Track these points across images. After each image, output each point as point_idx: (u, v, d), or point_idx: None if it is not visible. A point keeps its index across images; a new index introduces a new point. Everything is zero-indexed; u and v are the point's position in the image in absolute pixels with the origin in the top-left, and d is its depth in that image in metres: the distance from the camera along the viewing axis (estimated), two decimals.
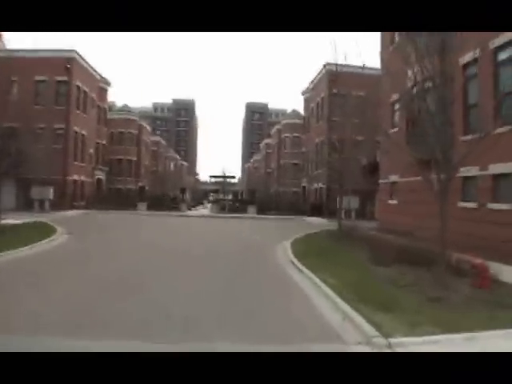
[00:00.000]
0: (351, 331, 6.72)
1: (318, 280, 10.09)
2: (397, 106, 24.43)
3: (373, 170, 37.08)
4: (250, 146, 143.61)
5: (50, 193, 37.09)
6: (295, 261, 13.15)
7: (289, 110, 70.63)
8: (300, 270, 11.86)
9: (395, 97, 24.19)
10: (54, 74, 40.54)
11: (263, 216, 39.73)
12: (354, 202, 37.25)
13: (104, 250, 15.75)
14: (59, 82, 41.02)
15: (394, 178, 23.65)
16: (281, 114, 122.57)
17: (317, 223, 33.18)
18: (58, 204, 37.15)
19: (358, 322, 6.87)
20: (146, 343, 4.16)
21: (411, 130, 20.49)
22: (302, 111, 64.61)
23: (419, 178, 20.36)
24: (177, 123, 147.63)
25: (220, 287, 9.93)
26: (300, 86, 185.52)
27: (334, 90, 41.03)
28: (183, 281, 10.54)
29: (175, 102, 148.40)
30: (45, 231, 19.40)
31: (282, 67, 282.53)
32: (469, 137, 12.50)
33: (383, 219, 24.85)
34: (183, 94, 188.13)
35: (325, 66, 42.29)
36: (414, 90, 19.67)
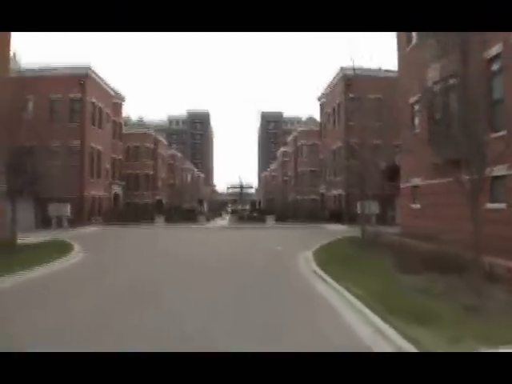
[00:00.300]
0: (384, 346, 6.17)
1: (342, 289, 9.56)
2: (417, 107, 23.72)
3: (392, 174, 36.38)
4: (266, 155, 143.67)
5: (68, 209, 37.05)
6: (317, 269, 12.68)
7: (304, 118, 70.27)
8: (324, 280, 11.35)
9: (415, 98, 23.59)
10: (69, 92, 40.75)
11: (282, 225, 39.19)
12: (373, 207, 36.43)
13: (120, 267, 15.36)
14: (73, 99, 41.16)
15: (416, 181, 22.94)
16: (296, 121, 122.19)
17: (337, 230, 32.47)
18: (76, 220, 37.08)
19: (391, 335, 6.33)
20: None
21: (434, 130, 19.82)
22: (317, 118, 64.19)
23: (444, 180, 19.80)
24: (192, 135, 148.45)
25: (243, 300, 9.51)
26: (314, 92, 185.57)
27: (351, 94, 40.50)
28: (205, 296, 10.04)
29: (190, 114, 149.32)
30: (62, 249, 19.16)
31: (296, 75, 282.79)
32: (500, 133, 11.82)
33: (406, 224, 24.11)
34: (197, 106, 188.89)
35: (340, 70, 41.86)
36: (437, 87, 19.11)
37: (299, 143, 65.45)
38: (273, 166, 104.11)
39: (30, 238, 22.60)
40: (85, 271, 14.35)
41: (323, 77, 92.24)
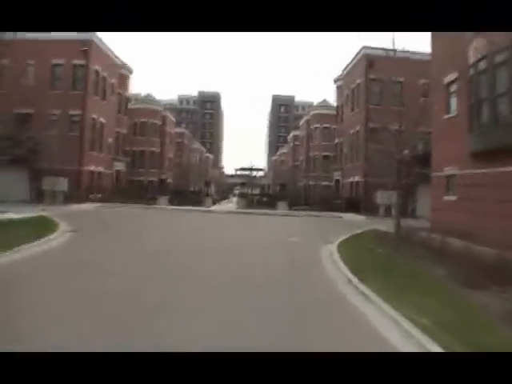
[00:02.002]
0: None
1: (400, 317, 6.75)
2: (453, 88, 20.83)
3: (415, 162, 33.52)
4: (276, 139, 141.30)
5: (64, 184, 34.30)
6: (354, 280, 9.61)
7: (315, 103, 66.82)
8: (367, 298, 8.31)
9: (452, 77, 20.75)
10: (72, 58, 37.90)
11: (294, 212, 36.30)
12: (394, 197, 33.66)
13: (107, 256, 12.65)
14: (76, 65, 38.30)
15: (451, 170, 20.05)
16: (307, 106, 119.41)
17: (356, 221, 29.72)
18: (73, 196, 34.40)
19: None
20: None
21: (477, 112, 17.05)
22: (331, 101, 61.24)
23: (489, 170, 17.00)
24: (202, 115, 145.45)
25: (264, 328, 6.42)
26: (330, 74, 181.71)
27: (372, 75, 37.52)
28: (206, 317, 6.87)
29: (201, 94, 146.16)
30: (44, 228, 16.50)
31: (308, 59, 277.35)
32: None
33: (437, 218, 21.22)
34: (209, 87, 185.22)
35: (361, 49, 38.68)
36: (482, 64, 16.13)
37: (312, 127, 62.49)
38: (283, 150, 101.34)
39: (10, 213, 19.91)
40: (59, 259, 11.69)
41: (338, 61, 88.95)
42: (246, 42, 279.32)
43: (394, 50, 33.72)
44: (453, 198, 20.28)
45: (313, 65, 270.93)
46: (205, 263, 11.77)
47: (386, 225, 24.29)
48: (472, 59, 17.65)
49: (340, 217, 32.82)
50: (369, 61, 36.99)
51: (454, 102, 20.80)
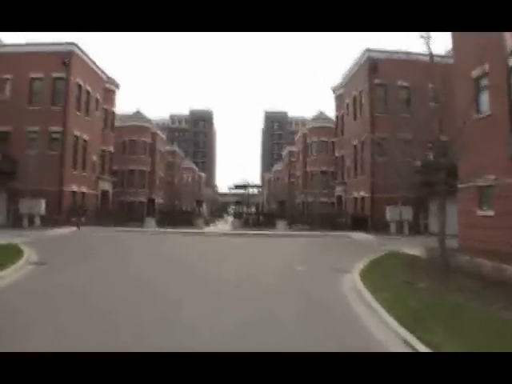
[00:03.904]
0: None
1: None
2: (484, 83, 18.02)
3: (427, 173, 30.69)
4: (270, 156, 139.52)
5: (41, 206, 31.04)
6: (421, 347, 6.26)
7: (311, 116, 64.13)
8: None
9: (481, 70, 17.93)
10: (51, 71, 34.96)
11: (296, 232, 33.09)
12: (406, 213, 30.77)
13: (73, 301, 9.49)
14: (57, 79, 35.33)
15: (486, 180, 17.10)
16: (301, 122, 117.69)
17: (366, 241, 26.60)
18: (53, 219, 31.20)
19: None
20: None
21: None
22: (328, 114, 58.73)
23: None
24: (195, 134, 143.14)
25: None
26: (320, 92, 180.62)
27: (377, 80, 34.80)
28: None
29: (192, 113, 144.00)
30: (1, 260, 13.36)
31: (301, 75, 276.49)
32: None
33: (468, 236, 18.19)
34: (201, 105, 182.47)
35: (364, 52, 35.91)
36: None
37: (309, 141, 59.77)
38: (278, 167, 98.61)
39: None
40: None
41: (332, 74, 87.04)
42: (237, 57, 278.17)
43: (398, 52, 31.05)
44: (489, 212, 17.35)
45: (306, 80, 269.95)
46: (207, 301, 8.64)
47: (403, 245, 21.34)
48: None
49: (347, 237, 29.67)
50: (372, 64, 34.29)
51: (485, 99, 18.00)
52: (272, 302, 9.62)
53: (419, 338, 6.45)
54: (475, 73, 18.03)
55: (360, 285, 11.24)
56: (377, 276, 12.47)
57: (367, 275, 12.62)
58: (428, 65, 29.73)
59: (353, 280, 12.39)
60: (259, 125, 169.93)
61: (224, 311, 8.65)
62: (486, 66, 17.10)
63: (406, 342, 6.54)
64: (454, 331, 6.69)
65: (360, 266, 14.89)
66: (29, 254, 16.13)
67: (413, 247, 19.44)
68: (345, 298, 10.23)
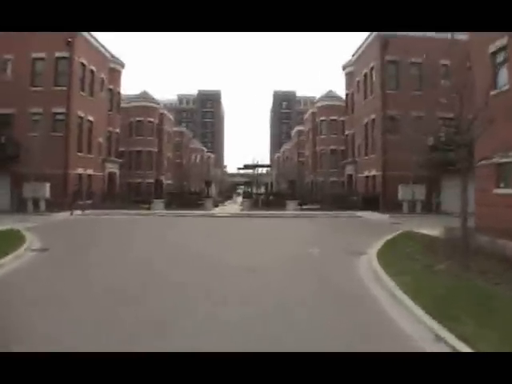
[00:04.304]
0: None
1: None
2: (502, 57, 17.08)
3: (439, 150, 29.73)
4: (279, 136, 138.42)
5: (46, 190, 30.40)
6: (459, 344, 5.51)
7: (320, 95, 62.80)
8: None
9: (499, 44, 17.00)
10: (54, 50, 33.95)
11: (307, 212, 32.29)
12: (419, 193, 29.93)
13: (74, 293, 8.93)
14: (60, 58, 34.31)
15: (505, 157, 16.20)
16: (309, 101, 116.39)
17: (379, 221, 25.85)
18: (58, 203, 30.64)
19: None
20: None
21: None
22: (338, 93, 57.66)
23: None
24: (203, 114, 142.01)
25: None
26: (329, 71, 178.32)
27: (388, 57, 33.65)
28: None
29: (200, 93, 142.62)
30: (2, 246, 12.83)
31: (309, 52, 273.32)
32: None
33: (486, 216, 17.30)
34: (209, 85, 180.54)
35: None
36: None
37: (318, 120, 58.70)
38: (286, 146, 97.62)
39: None
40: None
41: (341, 53, 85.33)
42: (245, 38, 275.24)
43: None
44: (507, 190, 16.54)
45: (314, 58, 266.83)
46: (215, 293, 8.02)
47: (417, 225, 20.61)
48: None
49: (359, 216, 28.90)
50: (383, 40, 33.07)
51: (503, 73, 17.06)
52: (283, 287, 9.00)
53: (451, 331, 5.76)
54: (492, 47, 17.12)
55: (378, 268, 10.55)
56: (394, 258, 11.79)
57: (384, 257, 11.93)
58: (441, 41, 28.61)
59: (370, 263, 11.73)
60: (268, 104, 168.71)
61: (243, 299, 8.03)
62: (504, 40, 16.22)
63: (437, 337, 5.84)
64: (484, 321, 6.04)
65: (376, 247, 14.24)
66: (31, 240, 15.63)
67: (428, 227, 18.73)
68: (363, 284, 9.54)
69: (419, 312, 6.77)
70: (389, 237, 16.73)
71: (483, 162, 16.86)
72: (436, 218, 25.41)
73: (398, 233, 17.98)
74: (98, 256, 13.37)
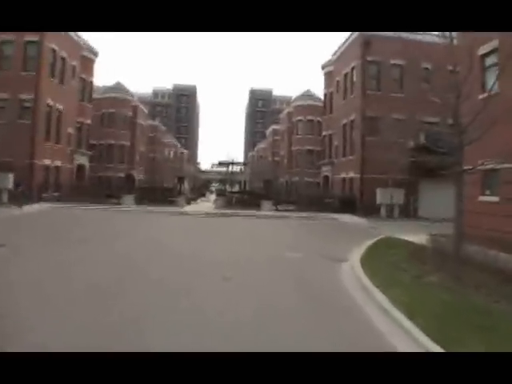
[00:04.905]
0: None
1: None
2: (492, 60, 16.64)
3: (419, 155, 29.27)
4: (254, 134, 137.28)
5: (9, 181, 28.62)
6: None
7: (297, 94, 62.06)
8: None
9: (488, 47, 16.59)
10: (23, 34, 32.17)
11: (282, 213, 31.37)
12: (397, 197, 29.39)
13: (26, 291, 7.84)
14: (29, 42, 32.60)
15: (490, 163, 15.63)
16: (286, 101, 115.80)
17: (357, 225, 25.16)
18: (22, 195, 29.02)
19: None
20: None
21: None
22: (315, 92, 57.01)
23: None
24: (177, 109, 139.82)
25: None
26: (306, 71, 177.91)
27: (369, 57, 33.04)
28: None
29: (176, 87, 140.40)
30: None
31: (286, 53, 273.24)
32: None
33: (473, 223, 16.77)
34: (184, 80, 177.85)
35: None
36: None
37: (294, 119, 57.99)
38: (261, 145, 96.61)
39: None
40: None
41: (319, 53, 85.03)
42: (223, 35, 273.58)
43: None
44: (492, 198, 16.02)
45: (292, 58, 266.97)
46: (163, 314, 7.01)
47: (397, 230, 19.99)
48: None
49: (335, 218, 28.20)
50: (365, 40, 32.43)
51: (491, 77, 16.55)
52: (265, 303, 8.04)
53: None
54: (482, 50, 16.68)
55: (364, 278, 9.72)
56: (379, 267, 11.00)
57: (368, 266, 11.12)
58: (423, 44, 28.19)
59: (353, 271, 10.90)
60: (243, 102, 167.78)
61: (215, 312, 7.04)
62: (494, 43, 15.78)
63: None
64: (495, 348, 5.20)
65: (357, 253, 13.51)
66: None
67: (409, 233, 18.13)
68: (349, 295, 8.68)
69: (421, 337, 5.88)
70: (369, 242, 16.01)
71: (470, 167, 16.31)
72: (415, 223, 24.89)
73: (378, 238, 17.28)
74: (53, 253, 12.15)
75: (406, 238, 16.97)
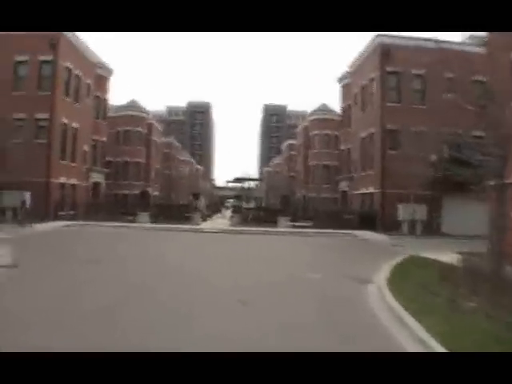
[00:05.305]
0: None
1: None
2: None
3: (449, 167, 28.39)
4: (268, 150, 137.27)
5: (26, 199, 28.53)
6: None
7: (312, 108, 61.53)
8: None
9: None
10: (38, 53, 32.27)
11: (300, 230, 30.61)
12: (420, 212, 28.48)
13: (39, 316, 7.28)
14: (44, 62, 32.64)
15: None
16: (300, 116, 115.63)
17: (379, 242, 24.25)
18: (38, 213, 28.75)
19: None
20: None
21: None
22: (331, 106, 56.50)
23: None
24: (192, 126, 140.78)
25: None
26: (320, 86, 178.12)
27: (389, 68, 32.35)
28: None
29: (190, 104, 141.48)
30: None
31: (301, 68, 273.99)
32: None
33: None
34: (198, 98, 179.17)
35: (375, 37, 33.18)
36: None
37: (311, 133, 57.46)
38: (277, 161, 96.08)
39: None
40: None
41: (332, 70, 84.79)
42: (237, 50, 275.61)
43: (411, 38, 28.51)
44: None
45: (306, 73, 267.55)
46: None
47: (422, 248, 19.15)
48: None
49: (356, 236, 27.34)
50: (384, 50, 31.78)
51: None
52: (287, 335, 7.34)
53: None
54: None
55: (394, 303, 8.98)
56: (409, 290, 10.20)
57: (397, 288, 10.35)
58: (445, 53, 27.31)
59: (381, 294, 10.16)
60: (257, 118, 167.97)
61: (233, 341, 6.37)
62: None
63: None
64: None
65: (383, 274, 12.72)
66: (0, 254, 14.02)
67: (435, 251, 17.26)
68: (381, 324, 7.95)
69: None
70: (394, 262, 15.15)
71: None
72: (439, 240, 24.02)
73: (403, 257, 16.40)
74: (67, 275, 11.60)
75: (433, 256, 16.09)
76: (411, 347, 6.62)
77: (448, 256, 15.42)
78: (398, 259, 15.81)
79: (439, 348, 6.19)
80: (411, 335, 7.12)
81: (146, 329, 7.11)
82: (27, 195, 28.69)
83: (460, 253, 13.50)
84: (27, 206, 28.22)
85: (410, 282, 11.41)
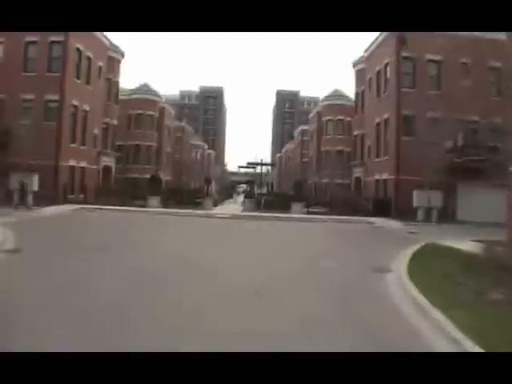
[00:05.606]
0: None
1: None
2: None
3: (466, 154, 27.72)
4: (281, 136, 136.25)
5: (34, 182, 28.01)
6: None
7: (325, 94, 60.50)
8: None
9: None
10: (48, 34, 31.63)
11: (314, 217, 30.00)
12: (435, 199, 27.71)
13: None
14: (54, 42, 32.09)
15: None
16: (313, 101, 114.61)
17: (394, 229, 23.62)
18: (48, 196, 28.47)
19: None
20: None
21: None
22: (344, 92, 55.57)
23: None
24: (204, 111, 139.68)
25: None
26: (333, 73, 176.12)
27: (405, 53, 31.46)
28: None
29: (203, 89, 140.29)
30: None
31: (313, 53, 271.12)
32: None
33: None
34: (211, 82, 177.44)
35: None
36: None
37: (324, 119, 56.56)
38: (289, 146, 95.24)
39: None
40: None
41: (344, 56, 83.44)
42: (249, 36, 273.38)
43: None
44: None
45: (318, 58, 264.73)
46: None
47: (438, 235, 18.55)
48: None
49: (371, 222, 26.69)
50: (400, 35, 30.87)
51: None
52: (303, 330, 6.82)
53: None
54: None
55: (417, 295, 8.41)
56: (432, 281, 9.62)
57: (419, 279, 9.76)
58: (461, 39, 26.41)
59: (402, 285, 9.61)
60: (270, 104, 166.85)
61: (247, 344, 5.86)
62: None
63: None
64: None
65: (402, 262, 12.13)
66: (4, 238, 13.61)
67: (454, 239, 16.65)
68: (406, 321, 7.36)
69: None
70: (411, 250, 14.53)
71: None
72: (455, 227, 23.37)
73: (421, 245, 15.78)
74: (72, 261, 11.16)
75: (452, 244, 15.47)
76: (437, 342, 6.08)
77: (466, 244, 14.86)
78: (416, 247, 15.21)
79: (469, 344, 5.63)
80: (437, 328, 6.57)
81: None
82: (32, 178, 28.11)
83: (479, 241, 12.87)
84: (33, 189, 27.80)
85: (432, 271, 10.84)
